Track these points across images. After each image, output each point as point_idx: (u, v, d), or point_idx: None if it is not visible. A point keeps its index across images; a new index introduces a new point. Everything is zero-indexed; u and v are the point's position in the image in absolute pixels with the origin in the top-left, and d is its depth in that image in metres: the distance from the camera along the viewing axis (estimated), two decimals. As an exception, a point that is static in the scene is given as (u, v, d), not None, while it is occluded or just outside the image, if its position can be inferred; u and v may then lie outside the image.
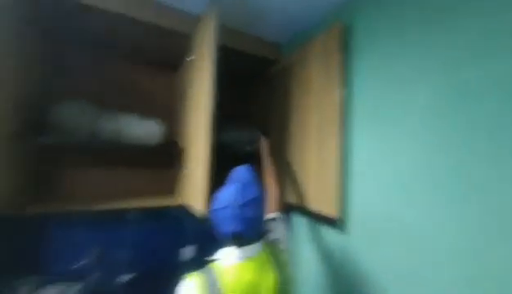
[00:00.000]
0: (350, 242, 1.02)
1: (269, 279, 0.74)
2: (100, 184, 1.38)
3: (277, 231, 0.92)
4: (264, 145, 1.27)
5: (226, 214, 0.73)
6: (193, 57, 1.26)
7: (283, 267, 0.79)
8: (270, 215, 0.96)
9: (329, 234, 1.14)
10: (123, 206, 1.21)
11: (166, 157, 1.50)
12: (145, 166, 1.51)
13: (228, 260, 0.75)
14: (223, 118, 1.31)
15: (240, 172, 0.85)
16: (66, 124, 1.09)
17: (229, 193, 0.76)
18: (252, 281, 0.72)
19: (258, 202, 0.78)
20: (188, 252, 1.57)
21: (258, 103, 1.75)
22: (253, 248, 0.77)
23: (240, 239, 0.74)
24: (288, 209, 1.42)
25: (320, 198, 1.10)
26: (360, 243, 0.98)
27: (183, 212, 1.54)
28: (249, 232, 0.74)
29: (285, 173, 1.37)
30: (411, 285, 0.81)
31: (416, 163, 0.82)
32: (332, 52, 1.08)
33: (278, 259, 0.80)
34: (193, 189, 1.13)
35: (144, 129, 1.24)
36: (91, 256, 1.34)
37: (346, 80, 1.07)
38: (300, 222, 1.36)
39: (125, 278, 1.37)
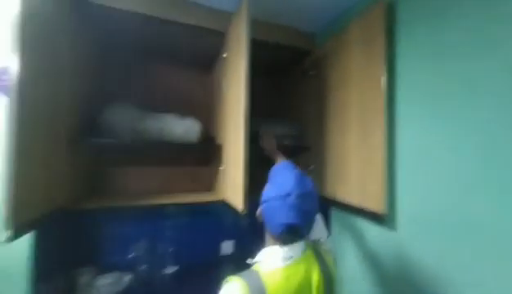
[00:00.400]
0: (400, 239, 0.94)
1: (316, 281, 0.68)
2: (144, 182, 1.47)
3: (318, 230, 0.85)
4: (267, 141, 1.17)
5: (283, 204, 0.66)
6: (226, 54, 1.27)
7: (329, 267, 0.73)
8: None
9: (375, 231, 1.06)
10: (168, 201, 1.28)
11: (204, 155, 1.54)
12: (185, 164, 1.56)
13: (273, 262, 0.68)
14: (258, 112, 1.30)
15: (289, 165, 0.79)
16: (115, 125, 1.18)
17: (288, 181, 0.69)
18: (299, 284, 0.66)
19: (314, 195, 0.71)
20: (227, 247, 1.60)
21: (294, 95, 1.70)
22: (298, 248, 0.70)
23: (293, 234, 0.67)
24: (327, 205, 1.37)
25: (364, 194, 1.03)
26: (411, 240, 0.91)
27: (223, 208, 1.58)
28: (304, 227, 0.68)
29: (323, 167, 1.31)
30: (472, 284, 0.72)
31: (476, 151, 0.72)
32: (375, 35, 1.01)
33: (323, 259, 0.74)
34: (231, 186, 1.13)
35: (183, 127, 1.29)
36: (139, 250, 1.44)
37: (390, 65, 0.99)
38: (341, 218, 1.30)
39: (170, 269, 1.44)
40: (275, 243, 0.71)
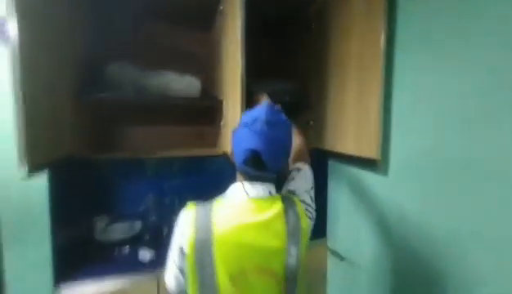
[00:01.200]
0: (391, 183, 0.99)
1: (272, 224, 0.62)
2: (150, 141, 1.53)
3: (297, 182, 0.77)
4: (259, 97, 1.09)
5: (249, 129, 0.62)
6: (223, 7, 1.23)
7: (297, 216, 0.65)
8: (295, 164, 0.83)
9: (368, 178, 1.10)
10: (172, 154, 1.38)
11: (207, 113, 1.56)
12: (188, 123, 1.61)
13: (233, 196, 0.67)
14: (259, 67, 1.29)
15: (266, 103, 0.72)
16: (116, 82, 1.20)
17: (257, 110, 0.66)
18: (250, 222, 0.61)
19: (286, 127, 0.68)
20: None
21: (295, 53, 1.66)
22: (264, 189, 0.66)
23: (257, 164, 0.62)
24: (324, 156, 1.41)
25: (360, 142, 1.06)
26: (401, 184, 0.95)
27: (226, 165, 1.66)
28: (269, 156, 0.62)
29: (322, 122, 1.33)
30: (462, 225, 0.76)
31: (470, 98, 0.73)
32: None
33: (293, 206, 0.66)
34: (230, 138, 1.17)
35: (183, 84, 1.31)
36: (148, 202, 1.55)
37: (390, 15, 0.95)
38: (338, 169, 1.35)
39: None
40: (240, 179, 0.69)
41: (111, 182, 1.49)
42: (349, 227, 1.27)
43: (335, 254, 1.33)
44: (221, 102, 1.34)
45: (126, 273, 1.11)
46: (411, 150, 0.90)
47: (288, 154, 0.72)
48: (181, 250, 0.62)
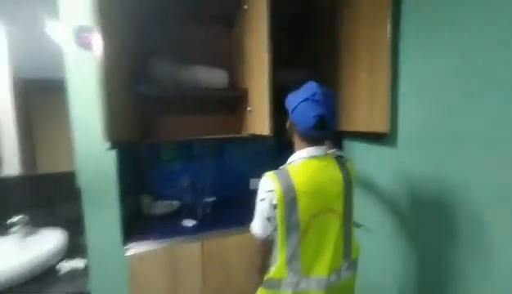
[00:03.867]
0: (399, 154, 1.14)
1: (337, 176, 0.84)
2: (184, 129, 1.75)
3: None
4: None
5: (311, 101, 0.78)
6: (246, 6, 1.39)
7: (348, 171, 0.88)
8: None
9: (378, 151, 1.26)
10: (203, 137, 1.60)
11: (230, 103, 1.76)
12: (214, 113, 1.82)
13: (300, 158, 0.84)
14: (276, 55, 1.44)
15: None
16: (159, 76, 1.40)
17: (311, 86, 0.82)
18: (321, 174, 0.81)
19: (335, 96, 0.86)
20: (255, 183, 1.89)
21: (309, 38, 1.82)
22: (322, 149, 0.85)
23: (323, 127, 0.79)
24: (340, 137, 1.58)
25: (371, 118, 1.21)
26: (409, 154, 1.09)
27: (251, 149, 1.91)
28: (330, 118, 0.80)
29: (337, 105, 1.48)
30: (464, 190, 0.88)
31: (473, 73, 0.84)
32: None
33: (343, 164, 0.89)
34: (257, 119, 1.34)
35: (213, 76, 1.49)
36: (184, 183, 1.76)
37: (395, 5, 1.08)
38: (350, 146, 1.51)
39: (209, 200, 1.75)
40: (302, 147, 0.86)
41: (154, 166, 1.73)
42: (364, 196, 1.42)
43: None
44: (246, 91, 1.51)
45: (174, 237, 1.32)
46: (416, 123, 1.05)
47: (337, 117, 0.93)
48: (271, 203, 0.79)
